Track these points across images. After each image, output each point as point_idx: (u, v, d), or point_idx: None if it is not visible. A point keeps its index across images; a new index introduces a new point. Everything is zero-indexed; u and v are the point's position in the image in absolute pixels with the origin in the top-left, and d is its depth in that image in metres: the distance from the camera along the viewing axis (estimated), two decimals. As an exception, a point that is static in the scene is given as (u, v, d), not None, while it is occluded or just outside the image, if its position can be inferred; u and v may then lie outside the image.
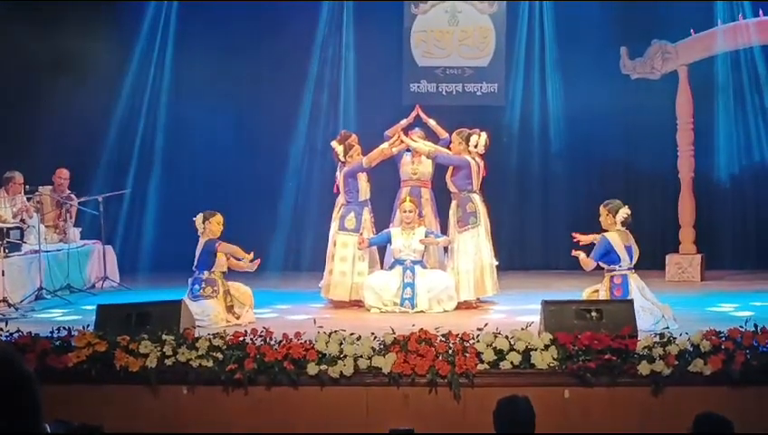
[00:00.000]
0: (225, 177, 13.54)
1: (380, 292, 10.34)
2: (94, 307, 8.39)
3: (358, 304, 10.55)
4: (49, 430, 2.70)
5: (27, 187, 11.91)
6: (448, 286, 10.36)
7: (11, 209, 11.79)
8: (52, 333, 7.88)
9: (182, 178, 13.46)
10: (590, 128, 13.18)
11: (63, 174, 12.42)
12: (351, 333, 7.73)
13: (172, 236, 12.05)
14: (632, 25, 13.21)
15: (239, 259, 9.91)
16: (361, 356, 7.51)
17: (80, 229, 12.59)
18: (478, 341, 7.56)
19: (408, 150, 11.16)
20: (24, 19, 12.96)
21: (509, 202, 13.63)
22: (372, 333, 7.75)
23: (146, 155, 13.77)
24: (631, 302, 8.36)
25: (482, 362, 7.45)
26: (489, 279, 10.54)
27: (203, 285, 9.73)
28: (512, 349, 7.49)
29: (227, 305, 9.71)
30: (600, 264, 9.37)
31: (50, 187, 12.36)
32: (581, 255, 9.35)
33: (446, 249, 10.93)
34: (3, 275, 10.50)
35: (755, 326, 7.60)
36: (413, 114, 11.53)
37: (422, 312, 10.15)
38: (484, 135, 10.76)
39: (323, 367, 7.48)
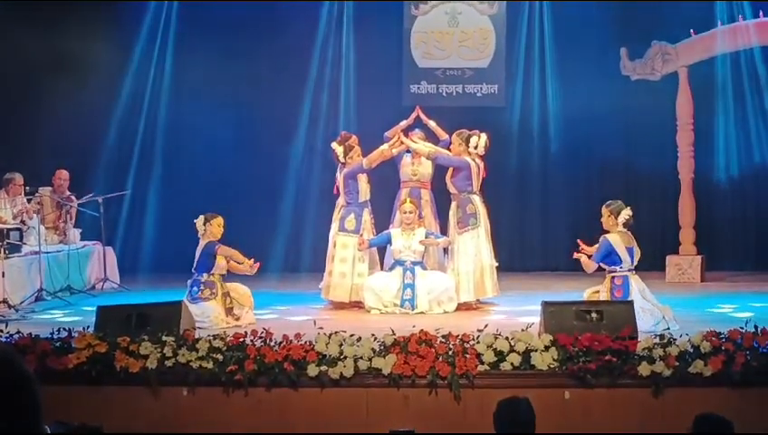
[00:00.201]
0: (226, 178, 13.54)
1: (380, 293, 10.34)
2: (94, 308, 8.38)
3: (358, 305, 10.55)
4: (49, 431, 2.70)
5: (27, 188, 11.90)
6: (448, 288, 10.36)
7: (11, 211, 11.79)
8: (52, 334, 7.88)
9: (182, 180, 13.46)
10: (590, 129, 13.18)
11: (63, 175, 12.42)
12: (351, 335, 7.73)
13: (172, 238, 12.06)
14: (632, 26, 13.22)
15: (238, 263, 9.91)
16: (361, 357, 7.51)
17: (80, 230, 12.59)
18: (478, 342, 7.56)
19: (408, 152, 11.16)
20: (23, 20, 12.97)
21: (509, 203, 13.62)
22: (372, 335, 7.75)
23: (146, 156, 13.76)
24: (631, 303, 8.36)
25: (482, 363, 7.45)
26: (489, 280, 10.54)
27: (201, 288, 9.72)
28: (512, 350, 7.49)
29: (227, 308, 9.70)
30: (601, 265, 9.36)
31: (50, 188, 12.36)
32: (583, 257, 9.36)
33: (445, 250, 10.93)
34: (3, 276, 10.49)
35: (755, 327, 7.59)
36: (413, 115, 11.52)
37: (422, 313, 10.14)
38: (484, 136, 10.76)
39: (323, 368, 7.48)
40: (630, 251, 9.33)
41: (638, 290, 9.21)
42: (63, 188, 12.40)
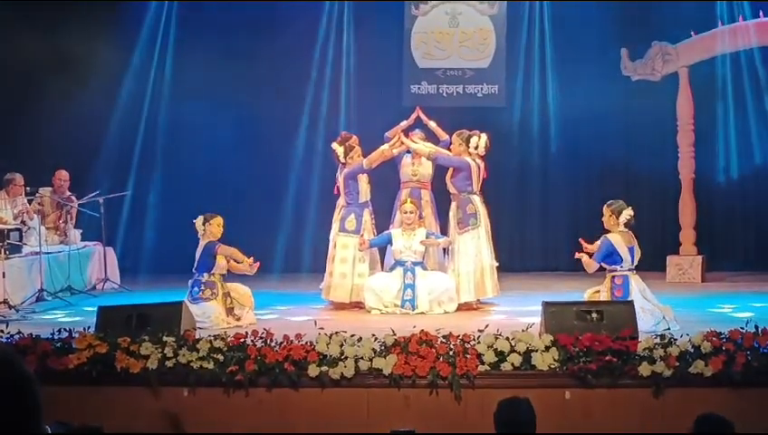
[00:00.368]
0: (226, 178, 13.54)
1: (381, 293, 10.34)
2: (95, 309, 8.39)
3: (358, 305, 10.55)
4: (49, 431, 2.70)
5: (28, 188, 11.91)
6: (449, 288, 10.36)
7: (11, 211, 11.80)
8: (52, 334, 7.88)
9: (183, 180, 13.45)
10: (590, 129, 13.18)
11: (63, 175, 12.41)
12: (352, 335, 7.73)
13: (173, 238, 12.06)
14: (632, 27, 13.22)
15: (238, 262, 9.91)
16: (362, 358, 7.51)
17: (80, 231, 12.59)
18: (479, 342, 7.56)
19: (409, 152, 11.16)
20: (24, 20, 12.97)
21: (509, 203, 13.62)
22: (373, 335, 7.75)
23: (146, 156, 13.76)
24: (632, 303, 8.36)
25: (483, 363, 7.45)
26: (489, 280, 10.54)
27: (202, 288, 9.72)
28: (512, 350, 7.49)
29: (227, 308, 9.70)
30: (602, 265, 9.36)
31: (50, 188, 12.35)
32: (584, 256, 9.35)
33: (445, 251, 10.93)
34: (3, 276, 10.49)
35: (756, 328, 7.59)
36: (413, 116, 11.53)
37: (423, 313, 10.14)
38: (484, 136, 10.76)
39: (324, 368, 7.48)
40: (631, 250, 9.33)
41: (639, 290, 9.22)
42: (64, 189, 12.40)
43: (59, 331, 7.90)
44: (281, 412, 7.51)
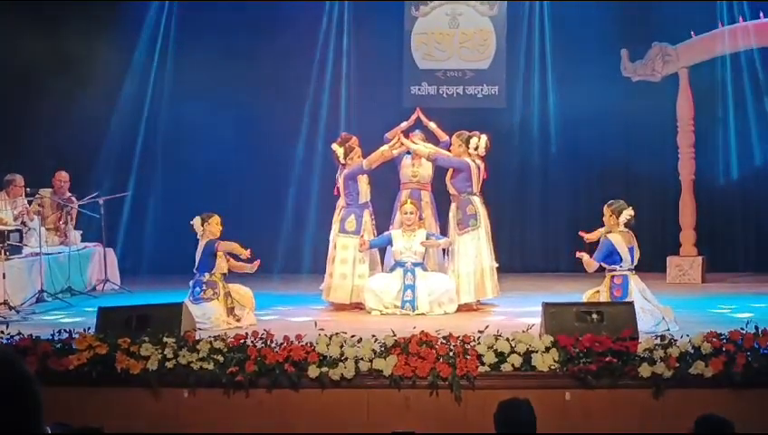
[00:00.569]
0: (226, 179, 13.54)
1: (381, 294, 10.34)
2: (95, 310, 8.38)
3: (358, 306, 10.55)
4: (50, 432, 2.70)
5: (28, 189, 11.90)
6: (449, 289, 10.36)
7: (12, 212, 11.79)
8: (52, 335, 7.88)
9: (183, 181, 13.45)
10: (590, 130, 13.18)
11: (63, 177, 12.41)
12: (352, 336, 7.73)
13: (173, 239, 12.07)
14: (632, 27, 13.22)
15: (239, 259, 9.89)
16: (362, 358, 7.51)
17: (80, 232, 12.59)
18: (479, 343, 7.56)
19: (409, 153, 11.17)
20: (24, 20, 12.97)
21: (510, 204, 13.62)
22: (373, 336, 7.75)
23: (147, 157, 13.77)
24: (632, 304, 8.36)
25: (483, 364, 7.45)
26: (489, 281, 10.54)
27: (204, 288, 9.72)
28: (513, 351, 7.49)
29: (228, 308, 9.71)
30: (602, 264, 9.37)
31: (50, 189, 12.35)
32: (585, 256, 9.35)
33: (445, 251, 10.93)
34: (3, 277, 10.48)
35: (756, 328, 7.59)
36: (413, 117, 11.53)
37: (423, 314, 10.14)
38: (484, 137, 10.76)
39: (324, 369, 7.48)
40: (631, 251, 9.35)
41: (639, 290, 9.22)
42: (64, 190, 12.40)
43: (59, 332, 7.90)
44: (281, 413, 7.51)
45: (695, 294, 11.47)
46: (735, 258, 13.44)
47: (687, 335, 7.70)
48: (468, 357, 7.45)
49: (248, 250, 9.83)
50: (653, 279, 10.68)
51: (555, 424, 6.94)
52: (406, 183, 11.33)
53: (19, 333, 7.99)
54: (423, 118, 11.56)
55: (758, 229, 13.45)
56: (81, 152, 13.28)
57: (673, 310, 9.27)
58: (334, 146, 10.99)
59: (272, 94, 13.61)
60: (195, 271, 9.87)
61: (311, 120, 13.57)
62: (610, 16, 13.05)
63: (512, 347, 7.51)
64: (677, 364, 7.36)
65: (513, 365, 7.45)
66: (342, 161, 10.89)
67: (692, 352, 7.47)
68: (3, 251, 10.73)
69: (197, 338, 7.84)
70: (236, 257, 9.95)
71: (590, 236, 9.67)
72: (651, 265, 12.04)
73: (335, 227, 10.86)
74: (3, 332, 8.09)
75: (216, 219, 9.93)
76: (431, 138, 11.40)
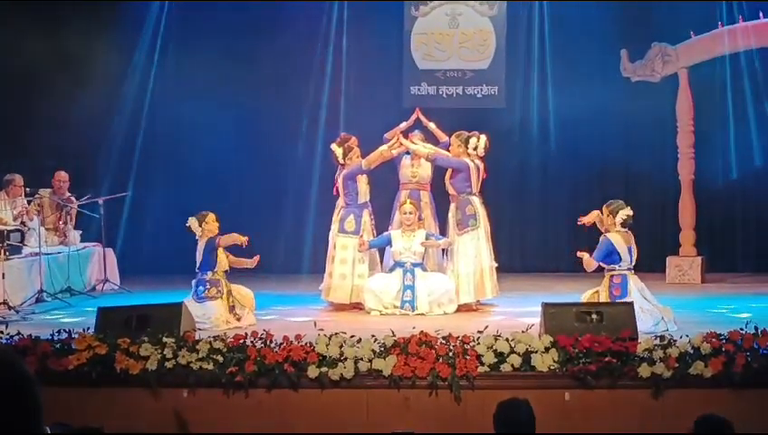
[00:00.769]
0: (226, 179, 13.54)
1: (380, 294, 10.34)
2: (95, 310, 8.38)
3: (358, 306, 10.55)
4: (49, 432, 2.70)
5: (27, 189, 11.90)
6: (449, 289, 10.36)
7: (11, 212, 11.79)
8: (52, 335, 7.88)
9: (183, 181, 13.45)
10: (590, 130, 13.18)
11: (62, 176, 12.40)
12: (352, 336, 7.74)
13: (172, 239, 12.04)
14: (632, 28, 13.22)
15: (238, 244, 9.87)
16: (362, 359, 7.51)
17: (80, 232, 12.59)
18: (479, 343, 7.56)
19: (408, 153, 11.17)
20: (24, 20, 12.96)
21: (509, 204, 13.62)
22: (373, 336, 7.75)
23: (146, 157, 13.76)
24: (631, 304, 8.36)
25: (482, 364, 7.45)
26: (489, 282, 10.54)
27: (207, 286, 9.74)
28: (512, 351, 7.49)
29: (229, 306, 9.73)
30: (601, 264, 9.37)
31: (50, 189, 12.35)
32: (585, 255, 9.36)
33: (444, 252, 10.93)
34: (3, 277, 10.48)
35: (756, 329, 7.59)
36: (413, 117, 11.54)
37: (422, 314, 10.14)
38: (483, 137, 10.76)
39: (324, 369, 7.48)
40: (629, 251, 9.35)
41: (638, 290, 9.23)
42: (63, 190, 12.40)
43: (59, 332, 7.90)
44: (280, 413, 7.51)
45: (694, 295, 11.47)
46: (735, 258, 13.44)
47: (687, 335, 7.71)
48: (468, 357, 7.46)
49: (246, 237, 9.83)
50: (652, 279, 10.68)
51: (555, 424, 6.94)
52: (405, 183, 11.33)
53: (18, 333, 7.99)
54: (422, 118, 11.57)
55: (758, 230, 13.45)
56: (80, 152, 13.27)
57: (672, 310, 9.27)
58: (333, 146, 11.00)
59: (271, 94, 13.61)
60: (197, 271, 9.87)
61: (310, 120, 13.57)
62: (610, 16, 13.05)
63: (511, 347, 7.51)
64: (677, 364, 7.37)
65: (512, 365, 7.45)
66: (341, 161, 10.89)
67: (691, 352, 7.47)
68: (2, 251, 10.73)
69: (197, 338, 7.84)
70: (236, 252, 9.96)
71: (585, 219, 9.69)
72: (651, 265, 12.06)
73: (334, 227, 10.86)
74: (2, 332, 8.08)
75: (211, 217, 9.95)
76: (430, 138, 11.40)
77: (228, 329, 9.14)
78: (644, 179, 13.38)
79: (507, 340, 7.57)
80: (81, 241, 12.50)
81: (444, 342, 7.61)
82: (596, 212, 9.67)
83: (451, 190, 10.72)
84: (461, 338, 7.63)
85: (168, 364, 7.57)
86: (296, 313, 10.31)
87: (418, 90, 13.88)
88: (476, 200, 10.64)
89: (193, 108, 13.31)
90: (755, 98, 13.01)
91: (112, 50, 13.51)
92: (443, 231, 10.95)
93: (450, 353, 7.51)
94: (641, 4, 13.12)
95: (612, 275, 9.30)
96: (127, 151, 13.67)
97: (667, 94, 12.89)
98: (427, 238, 10.63)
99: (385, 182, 11.57)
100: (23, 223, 11.74)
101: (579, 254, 9.43)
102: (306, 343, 7.63)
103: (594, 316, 7.93)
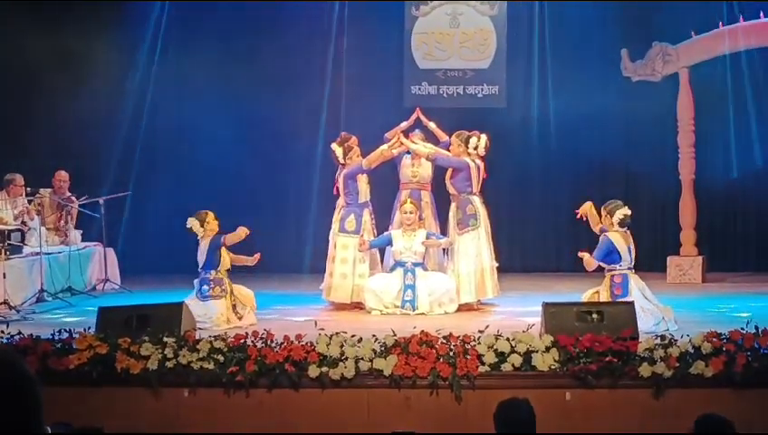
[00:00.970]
0: (227, 178, 13.53)
1: (381, 294, 10.34)
2: (95, 309, 8.38)
3: (359, 306, 10.55)
4: (50, 431, 2.70)
5: (28, 189, 11.91)
6: (449, 289, 10.36)
7: (12, 211, 11.79)
8: (53, 335, 7.88)
9: (183, 180, 13.45)
10: (590, 130, 13.18)
11: (62, 176, 12.41)
12: (352, 335, 7.73)
13: (173, 239, 12.04)
14: (633, 27, 13.22)
15: (242, 238, 9.89)
16: (362, 358, 7.51)
17: (81, 231, 12.59)
18: (479, 343, 7.56)
19: (408, 153, 11.17)
20: (25, 19, 12.97)
21: (510, 204, 13.62)
22: (373, 335, 7.75)
23: (147, 157, 13.76)
24: (632, 304, 8.36)
25: (483, 364, 7.45)
26: (490, 281, 10.54)
27: (212, 285, 9.76)
28: (513, 351, 7.49)
29: (232, 305, 9.75)
30: (601, 264, 9.37)
31: (50, 189, 12.35)
32: (586, 255, 9.37)
33: (445, 251, 10.93)
34: (4, 277, 10.49)
35: (756, 328, 7.59)
36: (413, 117, 11.54)
37: (423, 314, 10.14)
38: (484, 137, 10.77)
39: (324, 369, 7.48)
40: (629, 250, 9.35)
41: (639, 289, 9.23)
42: (63, 189, 12.40)
43: (59, 331, 7.90)
44: (281, 413, 7.51)
45: (695, 294, 11.47)
46: (736, 258, 13.43)
47: (688, 335, 7.70)
48: (468, 357, 7.45)
49: (247, 229, 9.84)
50: (653, 279, 10.68)
51: (555, 424, 6.94)
52: (405, 183, 11.33)
53: (19, 333, 7.99)
54: (423, 118, 11.57)
55: (758, 229, 13.45)
56: (81, 152, 13.27)
57: (673, 310, 9.27)
58: (333, 146, 11.00)
59: (272, 94, 13.60)
60: (200, 270, 9.88)
61: (311, 119, 13.56)
62: (611, 16, 13.06)
63: (512, 347, 7.51)
64: (678, 364, 7.36)
65: (513, 365, 7.45)
66: (341, 161, 10.89)
67: (692, 351, 7.47)
68: (3, 251, 10.74)
69: (198, 338, 7.84)
70: (237, 250, 9.97)
71: (580, 210, 9.71)
72: (651, 264, 12.06)
73: (335, 226, 10.86)
74: (3, 331, 8.09)
75: (211, 216, 9.97)
76: (431, 138, 11.40)
77: (229, 328, 9.15)
78: (644, 179, 13.38)
79: (508, 339, 7.56)
80: (82, 241, 12.50)
81: (444, 341, 7.61)
82: (589, 203, 9.68)
83: (452, 190, 10.72)
84: (462, 338, 7.63)
85: (169, 364, 7.57)
86: (297, 312, 10.31)
87: (419, 89, 13.88)
88: (477, 200, 10.64)
89: (194, 107, 13.32)
90: (756, 97, 13.00)
91: (113, 49, 13.51)
92: (443, 231, 10.95)
93: (451, 353, 7.51)
94: (642, 4, 13.12)
95: (613, 275, 9.30)
96: (127, 151, 13.67)
97: (668, 94, 12.89)
98: (427, 238, 10.63)
99: (385, 182, 11.57)
100: (23, 223, 11.75)
101: (580, 254, 9.43)
102: (307, 343, 7.63)
103: (595, 316, 7.93)
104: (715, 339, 7.51)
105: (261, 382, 7.54)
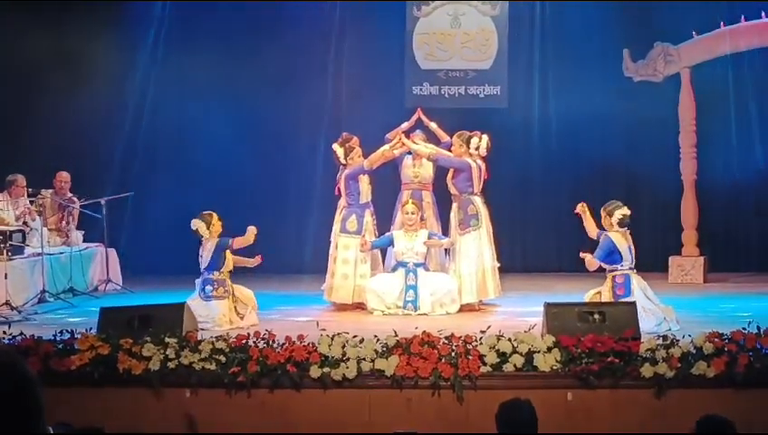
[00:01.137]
0: (228, 179, 13.53)
1: (383, 295, 10.34)
2: (97, 310, 8.38)
3: (360, 306, 10.55)
4: (52, 432, 2.70)
5: (30, 189, 11.91)
6: (451, 289, 10.36)
7: (14, 212, 11.79)
8: (54, 336, 7.89)
9: (185, 181, 13.45)
10: (592, 130, 13.18)
11: (63, 177, 12.40)
12: (354, 336, 7.74)
13: (175, 239, 12.05)
14: (634, 27, 13.21)
15: (250, 242, 9.90)
16: (364, 359, 7.51)
17: (82, 232, 12.59)
18: (481, 343, 7.56)
19: (410, 153, 11.17)
20: (26, 19, 12.97)
21: (511, 204, 13.60)
22: (375, 336, 7.75)
23: (148, 157, 13.76)
24: (634, 304, 8.36)
25: (485, 364, 7.45)
26: (491, 281, 10.55)
27: (215, 286, 9.77)
28: (515, 351, 7.49)
29: (234, 305, 9.77)
30: (602, 265, 9.37)
31: (52, 190, 12.35)
32: (588, 256, 9.37)
33: (447, 251, 10.93)
34: (6, 278, 10.49)
35: (758, 329, 7.59)
36: (414, 117, 11.55)
37: (425, 314, 10.14)
38: (485, 137, 10.77)
39: (326, 370, 7.48)
40: (629, 250, 9.35)
41: (641, 288, 9.23)
42: (65, 190, 12.40)
43: (61, 332, 7.91)
44: (283, 414, 7.52)
45: (696, 295, 11.46)
46: (737, 258, 13.41)
47: (689, 335, 7.70)
48: (470, 357, 7.45)
49: (254, 228, 9.89)
50: (655, 279, 10.67)
51: (557, 424, 6.94)
52: (407, 183, 11.33)
53: (21, 334, 7.99)
54: (424, 118, 11.57)
55: (760, 229, 13.43)
56: (82, 153, 13.27)
57: (674, 310, 9.27)
58: (335, 146, 11.00)
59: (273, 94, 13.60)
60: (203, 270, 9.88)
61: (312, 119, 13.56)
62: (612, 16, 13.05)
63: (514, 347, 7.51)
64: (679, 364, 7.37)
65: (515, 365, 7.45)
66: (343, 161, 10.89)
67: (694, 352, 7.47)
68: (5, 251, 10.74)
69: (199, 338, 7.84)
70: (239, 251, 9.99)
71: (578, 208, 9.75)
72: (653, 265, 12.05)
73: (336, 227, 10.87)
74: (5, 332, 8.09)
75: (216, 217, 9.99)
76: (432, 138, 11.40)
77: (231, 329, 9.15)
78: (646, 179, 13.36)
79: (510, 340, 7.56)
80: (84, 241, 12.50)
81: (446, 342, 7.61)
82: (584, 207, 9.70)
83: (453, 190, 10.72)
84: (463, 338, 7.63)
85: (171, 364, 7.57)
86: (298, 313, 10.31)
87: (420, 90, 13.88)
88: (478, 200, 10.64)
89: (195, 108, 13.31)
90: (758, 98, 13.00)
91: (114, 49, 13.51)
92: (445, 231, 10.95)
93: (452, 353, 7.51)
94: (643, 4, 13.11)
95: (615, 275, 9.30)
96: (128, 152, 13.67)
97: (670, 94, 12.88)
98: (429, 238, 10.62)
99: (387, 182, 11.57)
100: (25, 223, 11.75)
101: (581, 255, 9.44)
102: (308, 344, 7.63)
103: (596, 316, 7.93)
104: (716, 339, 7.50)
105: (263, 383, 7.54)
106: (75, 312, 10.60)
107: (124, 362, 7.58)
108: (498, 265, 10.70)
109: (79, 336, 7.78)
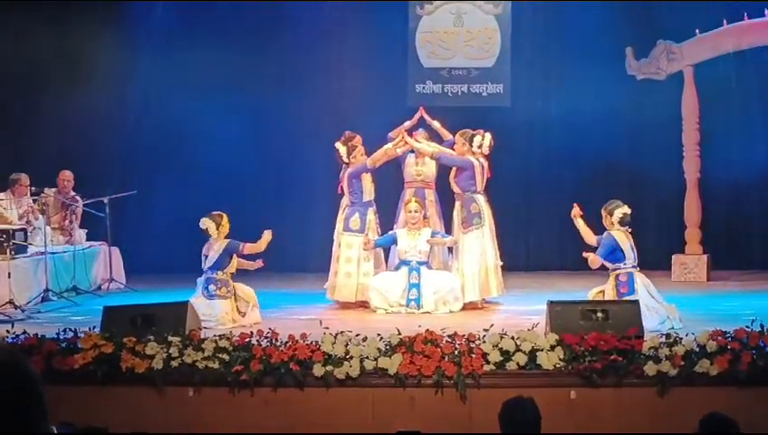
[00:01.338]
0: (231, 177, 13.53)
1: (386, 293, 10.34)
2: (100, 309, 8.39)
3: (363, 304, 10.56)
4: (55, 431, 2.70)
5: (33, 188, 11.92)
6: (454, 287, 10.36)
7: (17, 211, 11.81)
8: (58, 334, 7.89)
9: (188, 179, 13.46)
10: (595, 128, 13.17)
11: (66, 176, 12.42)
12: (357, 334, 7.74)
13: (178, 238, 12.06)
14: (637, 26, 13.20)
15: (259, 250, 9.92)
16: (367, 357, 7.51)
17: (86, 231, 12.60)
18: (484, 341, 7.56)
19: (412, 151, 11.16)
20: (29, 19, 12.98)
21: (514, 202, 13.60)
22: (378, 334, 7.75)
23: (151, 156, 13.77)
24: (637, 302, 8.36)
25: (488, 362, 7.45)
26: (494, 280, 10.55)
27: (219, 285, 9.79)
28: (518, 350, 7.49)
29: (235, 305, 9.78)
30: (605, 263, 9.37)
31: (55, 189, 12.36)
32: (591, 255, 9.38)
33: (450, 250, 10.93)
34: (9, 276, 10.50)
35: (762, 326, 7.58)
36: (417, 116, 11.55)
37: (428, 313, 10.15)
38: (488, 136, 10.76)
39: (329, 368, 7.48)
40: (631, 248, 9.35)
41: (644, 286, 9.22)
42: (68, 189, 12.41)
43: (64, 331, 7.91)
44: (286, 412, 7.52)
45: (700, 293, 11.46)
46: (741, 256, 13.40)
47: (693, 333, 7.69)
48: (473, 356, 7.45)
49: (269, 231, 9.98)
50: (658, 277, 10.67)
51: (560, 423, 6.93)
52: (410, 182, 11.33)
53: (24, 333, 7.99)
54: (427, 117, 11.57)
55: (763, 227, 13.43)
56: (85, 151, 13.28)
57: (678, 308, 9.26)
58: (337, 145, 11.00)
59: (276, 93, 13.61)
60: (208, 269, 9.89)
61: (314, 118, 13.56)
62: (615, 14, 13.04)
63: (517, 345, 7.51)
64: (683, 363, 7.36)
65: (518, 364, 7.45)
66: (345, 160, 10.90)
67: (697, 350, 7.47)
68: (8, 250, 10.75)
69: (202, 337, 7.85)
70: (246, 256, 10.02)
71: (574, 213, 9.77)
72: (656, 263, 12.04)
73: (339, 225, 10.87)
74: (8, 331, 8.10)
75: (225, 218, 10.07)
76: (435, 136, 11.40)
77: (234, 327, 9.16)
78: (649, 177, 13.36)
79: (513, 338, 7.56)
80: (87, 240, 12.51)
81: (449, 340, 7.61)
82: (575, 205, 9.73)
83: (456, 189, 10.72)
84: (466, 336, 7.63)
85: (174, 363, 7.57)
86: (301, 311, 10.32)
87: (423, 88, 13.88)
88: (481, 199, 10.64)
89: (197, 107, 13.31)
90: (761, 96, 12.99)
91: (117, 48, 13.52)
92: (448, 230, 10.95)
93: (456, 352, 7.51)
94: (646, 3, 13.11)
95: (618, 274, 9.30)
96: (131, 150, 13.68)
97: (673, 92, 12.87)
98: (432, 236, 10.63)
99: (390, 181, 11.57)
100: (28, 222, 11.76)
101: (584, 254, 9.44)
102: (312, 342, 7.64)
103: (600, 314, 7.92)
104: (720, 337, 7.50)
105: (266, 381, 7.54)
106: (78, 310, 10.62)
107: (127, 361, 7.58)
108: (501, 263, 10.70)
109: (82, 335, 7.79)
